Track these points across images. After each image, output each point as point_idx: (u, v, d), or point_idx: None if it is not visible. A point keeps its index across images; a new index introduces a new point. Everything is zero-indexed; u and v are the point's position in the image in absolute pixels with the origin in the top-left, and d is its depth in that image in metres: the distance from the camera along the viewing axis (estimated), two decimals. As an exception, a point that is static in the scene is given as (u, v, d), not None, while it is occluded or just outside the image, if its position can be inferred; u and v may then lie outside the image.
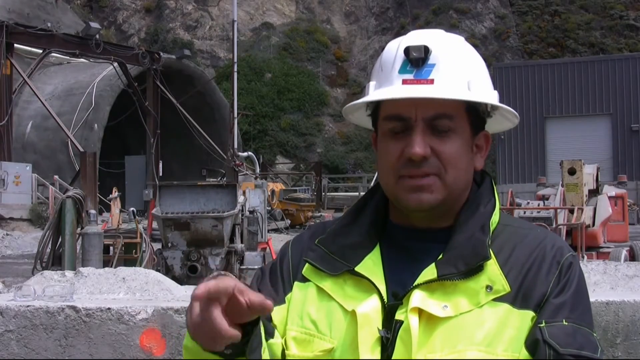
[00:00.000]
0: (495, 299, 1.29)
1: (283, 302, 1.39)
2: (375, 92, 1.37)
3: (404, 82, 1.32)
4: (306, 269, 1.40)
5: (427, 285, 1.30)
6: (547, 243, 1.36)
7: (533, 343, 1.27)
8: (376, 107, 1.40)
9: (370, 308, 1.32)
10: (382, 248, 1.39)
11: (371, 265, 1.36)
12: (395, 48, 1.36)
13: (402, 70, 1.33)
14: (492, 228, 1.35)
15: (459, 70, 1.33)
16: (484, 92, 1.36)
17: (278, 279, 1.43)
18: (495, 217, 1.37)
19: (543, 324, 1.27)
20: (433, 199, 1.32)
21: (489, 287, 1.29)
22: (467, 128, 1.35)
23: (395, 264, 1.37)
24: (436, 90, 1.30)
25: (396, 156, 1.33)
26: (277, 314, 1.37)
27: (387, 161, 1.35)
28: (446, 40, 1.36)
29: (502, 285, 1.29)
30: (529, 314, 1.29)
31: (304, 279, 1.40)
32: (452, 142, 1.33)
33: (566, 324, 1.28)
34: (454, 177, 1.33)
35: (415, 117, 1.31)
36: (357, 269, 1.35)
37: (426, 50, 1.31)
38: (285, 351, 1.35)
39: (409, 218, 1.39)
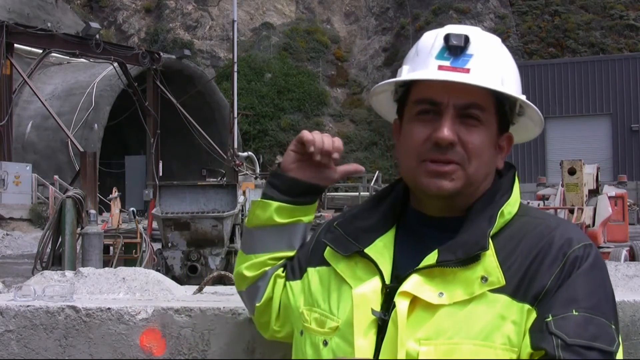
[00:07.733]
0: (492, 291, 1.25)
1: None
2: (410, 74, 1.36)
3: (440, 67, 1.32)
4: (326, 251, 1.44)
5: (429, 270, 1.29)
6: (557, 233, 1.30)
7: (538, 338, 1.21)
8: (406, 92, 1.39)
9: (368, 289, 1.32)
10: (398, 232, 1.40)
11: (381, 248, 1.36)
12: (434, 35, 1.36)
13: (440, 57, 1.33)
14: (506, 219, 1.33)
15: (494, 65, 1.33)
16: (516, 91, 1.37)
17: None
18: (509, 208, 1.34)
19: (550, 318, 1.21)
20: (452, 186, 1.32)
21: (484, 278, 1.26)
22: (494, 123, 1.35)
23: (406, 248, 1.37)
24: (472, 78, 1.30)
25: (422, 139, 1.32)
26: None
27: (412, 143, 1.34)
28: (485, 35, 1.37)
29: (498, 277, 1.26)
30: (525, 306, 1.24)
31: (324, 262, 1.43)
32: (479, 133, 1.32)
33: (576, 314, 1.21)
34: (475, 168, 1.32)
35: (447, 102, 1.31)
36: (366, 250, 1.36)
37: (466, 40, 1.32)
38: (306, 325, 1.40)
39: (425, 206, 1.38)
